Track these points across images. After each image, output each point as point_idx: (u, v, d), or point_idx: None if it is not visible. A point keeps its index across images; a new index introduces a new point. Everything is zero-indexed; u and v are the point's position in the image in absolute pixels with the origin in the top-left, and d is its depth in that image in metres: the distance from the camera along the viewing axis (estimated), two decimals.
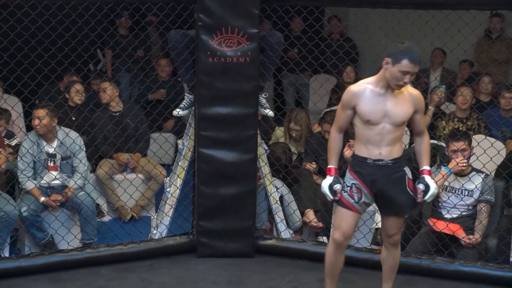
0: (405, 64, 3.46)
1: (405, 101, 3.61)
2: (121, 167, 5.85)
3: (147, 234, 4.95)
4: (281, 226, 4.98)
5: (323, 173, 5.30)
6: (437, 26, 4.82)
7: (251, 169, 4.71)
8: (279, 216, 4.99)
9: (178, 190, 4.83)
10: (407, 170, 3.70)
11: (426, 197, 3.68)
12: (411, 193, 3.70)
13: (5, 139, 5.31)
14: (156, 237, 4.82)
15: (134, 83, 6.96)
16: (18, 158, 4.94)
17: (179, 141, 4.98)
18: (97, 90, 6.38)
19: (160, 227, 4.84)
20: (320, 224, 5.12)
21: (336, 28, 7.71)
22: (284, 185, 5.20)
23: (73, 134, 5.08)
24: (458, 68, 7.32)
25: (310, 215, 5.15)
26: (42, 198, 4.91)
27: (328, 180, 3.71)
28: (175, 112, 4.82)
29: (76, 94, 5.83)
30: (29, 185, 4.91)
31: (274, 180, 5.07)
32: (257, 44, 4.57)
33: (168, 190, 4.88)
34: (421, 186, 3.68)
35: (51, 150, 5.02)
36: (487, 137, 5.39)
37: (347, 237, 3.76)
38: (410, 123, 3.75)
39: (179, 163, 4.85)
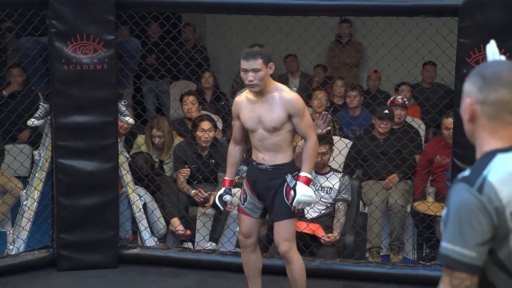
0: (241, 62, 3.55)
1: (277, 106, 3.60)
2: None
3: (3, 250, 4.72)
4: (145, 234, 4.93)
5: (188, 181, 5.33)
6: (291, 32, 4.98)
7: (113, 178, 4.63)
8: (143, 224, 4.94)
9: (35, 203, 4.65)
10: (288, 178, 3.68)
11: (294, 203, 3.60)
12: (286, 201, 3.67)
13: None
14: (13, 253, 4.61)
15: None
16: None
17: (35, 152, 4.80)
18: None
19: (17, 242, 4.64)
20: (188, 232, 5.11)
21: (192, 35, 7.75)
22: (147, 192, 5.15)
23: None
24: (313, 72, 7.59)
25: (176, 223, 5.13)
26: None
27: (220, 191, 3.89)
28: (29, 122, 4.64)
29: None
30: None
31: (137, 188, 5.01)
32: (114, 50, 4.50)
33: (24, 203, 4.68)
34: (292, 192, 3.60)
35: None
36: (342, 138, 5.64)
37: (247, 236, 3.87)
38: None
39: (36, 175, 4.67)
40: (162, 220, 5.13)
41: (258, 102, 3.64)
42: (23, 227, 4.63)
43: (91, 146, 4.51)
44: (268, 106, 3.60)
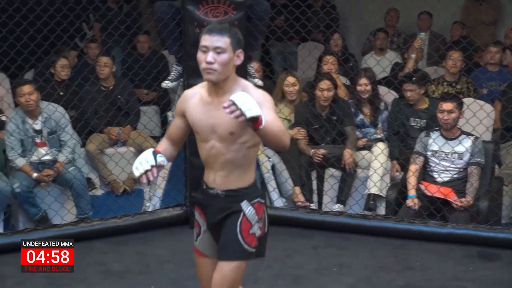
0: (202, 38, 2.62)
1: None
2: (112, 141, 5.84)
3: (140, 207, 4.96)
4: (274, 195, 5.00)
5: (313, 142, 5.33)
6: None
7: None
8: (271, 185, 5.00)
9: (169, 162, 4.81)
10: (244, 205, 2.74)
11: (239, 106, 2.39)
12: (241, 239, 2.71)
13: None
14: (150, 210, 4.83)
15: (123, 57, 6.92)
16: (6, 136, 4.92)
17: (169, 113, 4.96)
18: (92, 57, 6.34)
19: (153, 199, 4.85)
20: (307, 204, 5.14)
21: None
22: (276, 154, 5.21)
23: (59, 109, 5.06)
24: (451, 29, 7.26)
25: (300, 196, 5.15)
26: (35, 174, 4.90)
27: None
28: (164, 84, 4.81)
29: (62, 69, 5.78)
30: (20, 162, 4.90)
31: (266, 149, 5.07)
32: (244, 13, 4.54)
33: None
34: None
35: (37, 126, 5.00)
36: (476, 100, 5.41)
37: (208, 284, 2.81)
38: None
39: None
40: (290, 181, 5.17)
41: (213, 104, 2.66)
42: (158, 186, 4.83)
43: None
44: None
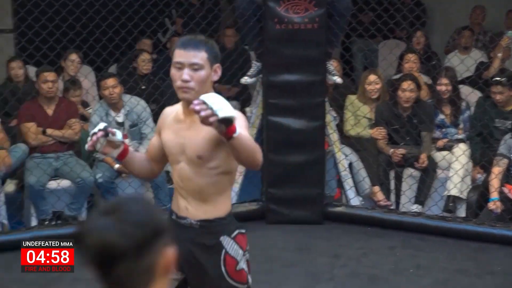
0: (175, 53, 2.37)
1: (206, 128, 2.17)
2: None
3: None
4: (350, 193, 4.96)
5: (392, 141, 5.25)
6: None
7: (319, 136, 4.70)
8: (348, 183, 4.97)
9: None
10: (225, 240, 2.43)
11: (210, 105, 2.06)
12: (229, 279, 2.41)
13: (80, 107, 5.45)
14: None
15: None
16: (90, 128, 5.07)
17: (247, 109, 5.00)
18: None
19: None
20: (389, 203, 5.06)
21: None
22: (353, 152, 5.16)
23: (141, 102, 5.18)
24: None
25: (379, 195, 5.07)
26: (116, 165, 5.03)
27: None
28: (243, 80, 4.85)
29: (144, 64, 5.90)
30: None
31: (343, 147, 5.04)
32: (325, 10, 4.52)
33: None
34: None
35: (119, 119, 5.13)
36: None
37: None
38: None
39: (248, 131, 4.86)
40: (367, 180, 5.11)
41: (185, 123, 2.40)
42: (235, 180, 4.86)
43: (300, 105, 4.61)
44: (197, 127, 2.27)
